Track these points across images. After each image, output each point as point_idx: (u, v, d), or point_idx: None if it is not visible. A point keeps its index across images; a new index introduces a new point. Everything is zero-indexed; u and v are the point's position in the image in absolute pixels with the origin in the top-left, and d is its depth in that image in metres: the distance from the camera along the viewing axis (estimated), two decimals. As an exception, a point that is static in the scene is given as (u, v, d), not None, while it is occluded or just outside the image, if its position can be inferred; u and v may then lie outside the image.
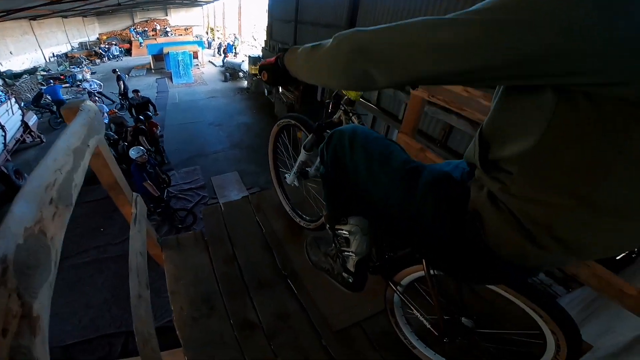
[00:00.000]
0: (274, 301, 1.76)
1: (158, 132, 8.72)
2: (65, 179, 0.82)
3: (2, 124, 8.42)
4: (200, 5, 31.06)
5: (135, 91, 9.88)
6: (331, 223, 1.29)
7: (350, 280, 1.31)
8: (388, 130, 6.80)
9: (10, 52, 18.40)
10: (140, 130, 7.82)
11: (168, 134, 10.34)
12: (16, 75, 16.81)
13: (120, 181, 1.57)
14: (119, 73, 13.10)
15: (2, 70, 16.77)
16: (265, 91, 13.95)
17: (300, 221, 2.14)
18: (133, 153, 5.95)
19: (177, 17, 32.72)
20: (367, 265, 1.30)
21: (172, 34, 28.09)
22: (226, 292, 1.79)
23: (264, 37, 15.13)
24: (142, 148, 6.12)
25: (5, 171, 7.76)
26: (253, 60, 15.27)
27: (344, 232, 1.23)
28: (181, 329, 1.60)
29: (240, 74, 17.35)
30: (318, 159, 1.60)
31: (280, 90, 11.85)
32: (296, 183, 1.96)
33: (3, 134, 8.42)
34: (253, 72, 15.07)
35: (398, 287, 1.33)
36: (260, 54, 15.15)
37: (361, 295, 1.36)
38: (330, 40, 0.72)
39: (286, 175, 2.01)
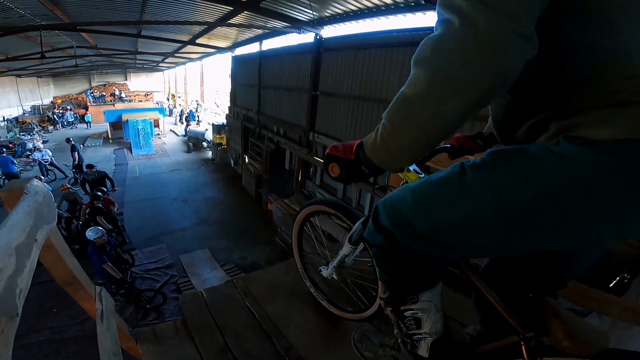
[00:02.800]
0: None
1: (116, 209, 8.25)
2: (6, 287, 0.67)
3: None
4: (162, 70, 30.40)
5: (90, 166, 9.21)
6: (395, 305, 1.09)
7: None
8: (361, 193, 7.01)
9: None
10: (98, 210, 7.36)
11: (129, 211, 9.87)
12: None
13: (78, 275, 1.35)
14: (73, 143, 12.29)
15: None
16: (232, 162, 13.94)
17: (344, 314, 1.87)
18: (90, 234, 5.52)
19: (137, 82, 31.64)
20: (445, 346, 1.09)
21: (130, 100, 27.38)
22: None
23: (227, 104, 15.02)
24: (100, 228, 5.75)
25: None
26: (217, 128, 15.21)
27: (415, 311, 1.05)
28: None
29: (204, 143, 17.10)
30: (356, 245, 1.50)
31: (247, 161, 11.96)
32: (335, 276, 1.77)
33: None
34: (218, 141, 15.07)
35: None
36: (224, 121, 15.07)
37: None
38: (411, 78, 0.63)
39: (321, 268, 1.82)
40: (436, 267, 1.02)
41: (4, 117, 21.04)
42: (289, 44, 9.28)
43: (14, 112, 23.07)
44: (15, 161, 11.61)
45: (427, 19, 5.65)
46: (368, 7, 5.98)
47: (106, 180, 9.09)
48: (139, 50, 15.88)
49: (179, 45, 13.66)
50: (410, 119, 0.66)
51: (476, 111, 0.62)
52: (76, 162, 11.86)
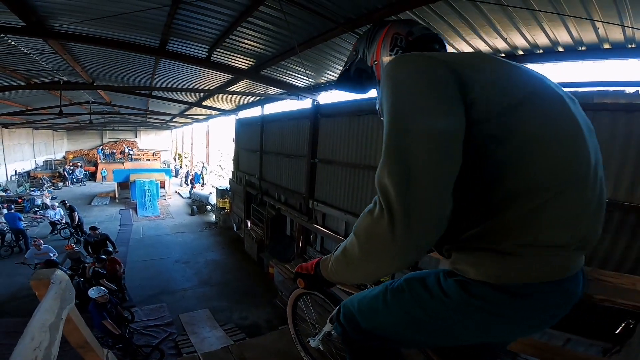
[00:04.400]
0: None
1: (122, 270, 8.33)
2: (44, 356, 0.88)
3: None
4: (170, 129, 30.80)
5: (93, 228, 9.42)
6: None
7: None
8: None
9: None
10: (98, 274, 7.42)
11: (130, 270, 9.82)
12: None
13: (90, 341, 1.56)
14: (69, 204, 12.47)
15: None
16: (234, 226, 14.00)
17: None
18: (93, 293, 5.73)
19: (146, 140, 32.00)
20: None
21: (138, 160, 27.37)
22: None
23: (231, 167, 15.18)
24: (102, 288, 5.91)
25: None
26: (221, 192, 15.48)
27: None
28: None
29: (208, 207, 17.22)
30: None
31: (249, 226, 12.11)
32: (321, 347, 1.96)
33: None
34: (221, 205, 15.31)
35: None
36: (228, 185, 15.29)
37: None
38: (350, 242, 0.81)
39: (309, 339, 2.03)
40: (387, 357, 1.25)
41: (15, 171, 21.32)
42: (290, 109, 9.53)
43: (27, 165, 23.33)
44: (22, 217, 11.74)
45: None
46: None
47: (108, 242, 9.25)
48: (149, 109, 16.48)
49: (186, 106, 14.23)
50: (349, 268, 0.87)
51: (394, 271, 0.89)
52: (76, 223, 11.91)
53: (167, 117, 21.34)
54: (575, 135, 0.79)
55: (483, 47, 4.35)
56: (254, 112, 12.38)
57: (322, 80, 7.44)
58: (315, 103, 7.96)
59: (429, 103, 0.71)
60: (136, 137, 31.78)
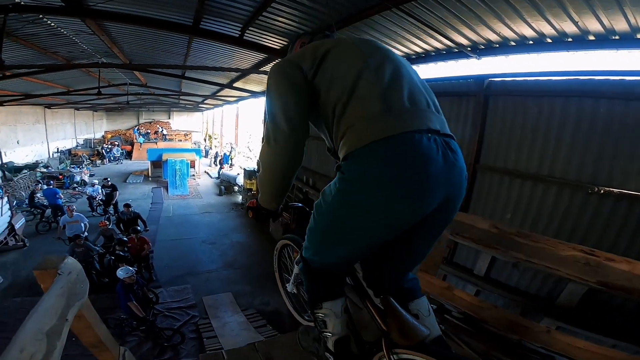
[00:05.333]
0: None
1: (149, 249, 8.35)
2: None
3: None
4: (201, 110, 31.62)
5: (127, 205, 9.54)
6: (311, 309, 1.43)
7: (329, 358, 1.39)
8: None
9: (18, 142, 17.77)
10: (120, 258, 7.46)
11: (159, 250, 9.90)
12: (17, 169, 16.24)
13: (104, 339, 1.41)
14: (111, 183, 12.68)
15: (4, 162, 16.04)
16: (260, 208, 13.84)
17: (302, 319, 2.24)
18: (121, 273, 5.67)
19: (179, 121, 33.11)
20: (347, 346, 1.36)
21: (170, 140, 28.41)
22: None
23: (260, 149, 15.29)
24: (130, 268, 5.85)
25: None
26: (248, 173, 15.27)
27: (321, 315, 1.37)
28: None
29: (235, 187, 17.12)
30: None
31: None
32: (295, 290, 2.14)
33: None
34: (248, 186, 15.14)
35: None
36: (256, 167, 15.07)
37: None
38: (260, 151, 1.30)
39: (287, 284, 2.23)
40: (335, 285, 1.37)
41: (57, 149, 22.19)
42: None
43: (68, 144, 24.40)
44: (61, 194, 12.08)
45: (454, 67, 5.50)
46: (416, 53, 5.64)
47: (139, 220, 9.32)
48: (182, 90, 16.69)
49: (217, 87, 14.19)
50: (261, 186, 1.34)
51: (288, 174, 1.27)
52: (114, 202, 12.03)
53: (199, 99, 21.66)
54: (354, 58, 1.17)
55: (548, 30, 3.69)
56: None
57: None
58: None
59: (280, 89, 1.20)
60: (169, 118, 32.78)
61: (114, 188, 12.21)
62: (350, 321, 1.40)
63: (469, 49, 4.70)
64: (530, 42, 4.05)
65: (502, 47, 4.38)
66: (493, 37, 4.26)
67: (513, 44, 4.26)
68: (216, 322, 6.53)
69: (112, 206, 12.00)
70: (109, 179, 13.32)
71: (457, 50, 4.93)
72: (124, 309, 5.56)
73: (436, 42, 5.01)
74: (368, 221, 1.07)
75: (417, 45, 5.34)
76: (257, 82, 12.36)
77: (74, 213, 8.77)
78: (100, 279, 7.73)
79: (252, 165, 16.49)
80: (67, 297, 0.94)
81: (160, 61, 10.27)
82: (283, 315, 7.09)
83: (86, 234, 8.60)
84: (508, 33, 4.04)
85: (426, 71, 6.05)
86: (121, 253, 7.50)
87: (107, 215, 11.70)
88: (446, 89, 5.32)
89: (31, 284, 7.69)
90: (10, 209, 9.51)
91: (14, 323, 6.19)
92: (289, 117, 1.15)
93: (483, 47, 4.60)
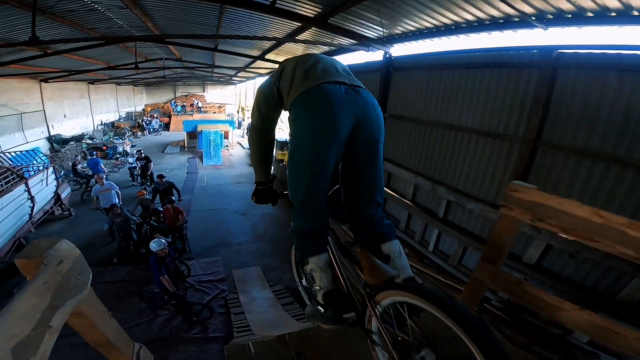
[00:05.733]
0: None
1: (184, 219, 8.35)
2: None
3: (33, 195, 8.16)
4: (234, 84, 32.22)
5: (160, 176, 9.57)
6: (301, 266, 1.60)
7: (322, 311, 1.51)
8: (426, 229, 6.14)
9: (64, 116, 18.65)
10: (154, 228, 7.49)
11: (193, 220, 10.00)
12: (64, 141, 17.14)
13: (115, 339, 1.23)
14: (145, 154, 12.84)
15: (52, 134, 16.99)
16: (291, 180, 13.64)
17: None
18: (154, 245, 5.56)
19: (213, 94, 33.90)
20: (336, 298, 1.51)
21: (205, 112, 29.24)
22: None
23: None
24: (163, 241, 5.73)
25: (24, 243, 7.47)
26: (280, 144, 15.03)
27: (308, 270, 1.54)
28: None
29: (268, 158, 17.19)
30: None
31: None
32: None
33: (31, 205, 8.14)
34: (279, 157, 14.89)
35: (377, 308, 1.33)
36: (287, 137, 14.86)
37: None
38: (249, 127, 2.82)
39: (302, 280, 2.30)
40: (317, 242, 1.57)
41: (101, 121, 23.20)
42: (357, 62, 8.67)
43: (112, 117, 25.46)
44: (103, 164, 12.50)
45: (511, 37, 4.82)
46: (445, 25, 5.15)
47: (173, 190, 9.35)
48: (215, 63, 16.59)
49: (250, 60, 13.90)
50: (252, 160, 1.90)
51: (266, 150, 1.85)
52: (149, 172, 12.21)
53: (231, 72, 21.56)
54: (293, 63, 1.72)
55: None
56: None
57: (397, 31, 6.27)
58: (387, 55, 6.86)
59: (262, 103, 1.74)
60: (204, 91, 33.58)
61: (147, 159, 12.36)
62: (336, 277, 1.58)
63: (534, 18, 3.94)
64: (613, 13, 3.33)
65: (576, 17, 3.66)
66: (566, 5, 3.54)
67: (590, 14, 3.50)
68: (244, 297, 6.45)
69: (148, 177, 12.21)
70: (142, 151, 13.53)
71: (517, 20, 4.19)
72: (156, 283, 5.56)
73: (492, 9, 4.24)
74: (308, 141, 1.45)
75: (469, 12, 4.56)
76: (290, 54, 11.75)
77: (105, 181, 8.90)
78: (138, 250, 7.91)
79: (284, 136, 16.15)
80: (52, 295, 0.73)
81: (192, 32, 9.93)
82: None
83: (121, 202, 8.75)
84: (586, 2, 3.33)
85: (477, 41, 5.25)
86: (155, 224, 7.56)
87: (144, 186, 11.96)
88: (503, 59, 4.55)
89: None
90: (56, 178, 9.83)
91: None
92: (261, 113, 1.77)
93: (551, 16, 3.85)
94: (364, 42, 6.92)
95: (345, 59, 9.48)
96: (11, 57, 9.80)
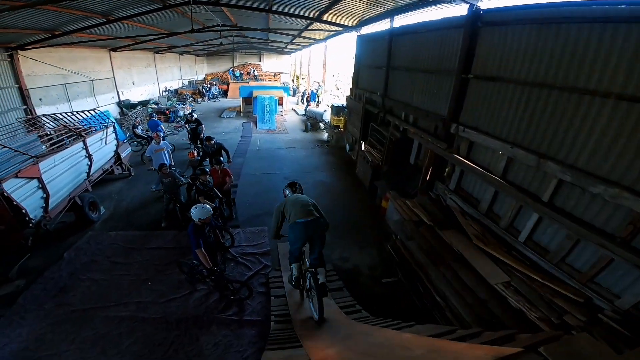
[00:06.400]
0: None
1: (231, 182, 7.58)
2: None
3: (91, 153, 7.92)
4: (289, 53, 32.05)
5: (208, 138, 8.77)
6: (290, 264, 4.68)
7: (293, 283, 4.71)
8: (519, 211, 4.78)
9: (133, 83, 19.50)
10: (202, 171, 6.71)
11: (242, 184, 9.41)
12: (132, 106, 17.93)
13: None
14: (195, 117, 11.91)
15: (121, 99, 17.76)
16: (347, 146, 12.46)
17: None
18: (194, 212, 4.56)
19: (269, 63, 34.41)
20: (299, 280, 4.63)
21: (261, 79, 29.04)
22: None
23: (349, 86, 13.64)
24: (208, 207, 4.72)
25: (79, 202, 7.19)
26: (336, 110, 13.90)
27: (292, 267, 4.62)
28: None
29: (321, 124, 16.03)
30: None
31: (364, 148, 10.29)
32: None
33: (88, 163, 7.93)
34: (335, 123, 13.81)
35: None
36: (344, 103, 13.62)
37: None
38: None
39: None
40: (297, 258, 4.51)
41: (166, 88, 24.09)
42: (427, 20, 7.23)
43: (175, 84, 26.39)
44: (162, 125, 12.29)
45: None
46: None
47: (222, 151, 8.57)
48: (270, 28, 15.74)
49: (306, 22, 12.81)
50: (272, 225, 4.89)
51: (277, 228, 4.54)
52: (201, 136, 11.21)
53: (287, 39, 20.93)
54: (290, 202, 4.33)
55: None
56: (379, 27, 10.26)
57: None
58: (474, 8, 5.44)
59: (276, 215, 4.44)
60: (260, 60, 34.18)
61: (198, 122, 11.59)
62: (301, 270, 4.56)
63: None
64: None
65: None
66: None
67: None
68: (287, 275, 5.55)
69: (198, 141, 11.55)
70: (193, 114, 13.00)
71: None
72: (194, 255, 4.72)
73: None
74: (295, 238, 4.17)
75: None
76: (349, 14, 10.13)
77: (162, 141, 8.43)
78: (184, 213, 7.35)
79: (340, 101, 14.78)
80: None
81: None
82: (362, 276, 5.88)
83: (171, 162, 8.27)
84: None
85: None
86: (201, 186, 6.79)
87: (195, 148, 11.40)
88: None
89: (128, 215, 7.81)
90: (116, 138, 9.62)
91: (102, 261, 6.04)
92: (277, 218, 4.42)
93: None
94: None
95: (413, 20, 8.40)
96: (77, 25, 9.87)
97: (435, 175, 6.82)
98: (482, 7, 5.42)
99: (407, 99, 8.11)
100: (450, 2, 5.67)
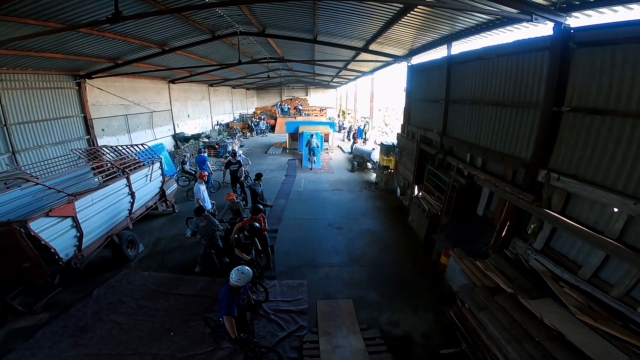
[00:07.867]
0: None
1: (265, 227, 6.64)
2: None
3: (134, 190, 7.59)
4: (334, 87, 32.08)
5: (259, 176, 8.28)
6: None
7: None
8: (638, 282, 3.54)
9: (188, 115, 20.03)
10: (255, 230, 5.81)
11: (283, 229, 8.59)
12: (186, 139, 18.20)
13: None
14: (238, 159, 10.62)
15: (177, 132, 18.21)
16: (398, 190, 11.22)
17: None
18: (234, 277, 3.88)
19: (315, 97, 34.85)
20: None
21: (307, 114, 29.23)
22: None
23: (399, 122, 12.65)
24: (248, 270, 4.05)
25: (117, 240, 6.83)
26: (386, 149, 12.66)
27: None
28: None
29: (369, 164, 14.84)
30: None
31: (419, 193, 9.05)
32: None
33: (131, 200, 7.60)
34: (385, 163, 12.63)
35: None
36: (395, 141, 12.42)
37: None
38: None
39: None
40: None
41: (217, 122, 24.69)
42: (496, 43, 6.17)
43: (227, 118, 27.16)
44: (209, 161, 12.08)
45: None
46: None
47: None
48: (315, 60, 15.66)
49: (352, 53, 12.37)
50: None
51: None
52: (242, 178, 10.41)
53: (333, 72, 20.66)
54: None
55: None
56: (433, 55, 9.38)
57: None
58: (562, 27, 4.47)
59: None
60: (306, 95, 34.85)
61: (239, 164, 10.35)
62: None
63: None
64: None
65: None
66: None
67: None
68: (325, 342, 4.57)
69: (237, 185, 10.44)
70: (238, 153, 11.60)
71: None
72: (221, 317, 3.94)
73: None
74: None
75: None
76: (397, 42, 9.38)
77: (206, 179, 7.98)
78: (221, 259, 6.65)
79: (390, 139, 13.64)
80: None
81: (291, 27, 9.67)
82: (415, 346, 4.76)
83: (209, 206, 7.73)
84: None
85: None
86: (242, 239, 5.96)
87: (234, 190, 10.36)
88: None
89: (164, 256, 7.31)
90: (162, 174, 9.38)
91: (129, 303, 5.64)
92: None
93: None
94: (525, 10, 4.55)
95: (468, 46, 7.64)
96: (137, 54, 10.32)
97: (513, 231, 5.45)
98: (571, 25, 4.40)
99: (472, 138, 6.94)
100: (531, 20, 4.58)
